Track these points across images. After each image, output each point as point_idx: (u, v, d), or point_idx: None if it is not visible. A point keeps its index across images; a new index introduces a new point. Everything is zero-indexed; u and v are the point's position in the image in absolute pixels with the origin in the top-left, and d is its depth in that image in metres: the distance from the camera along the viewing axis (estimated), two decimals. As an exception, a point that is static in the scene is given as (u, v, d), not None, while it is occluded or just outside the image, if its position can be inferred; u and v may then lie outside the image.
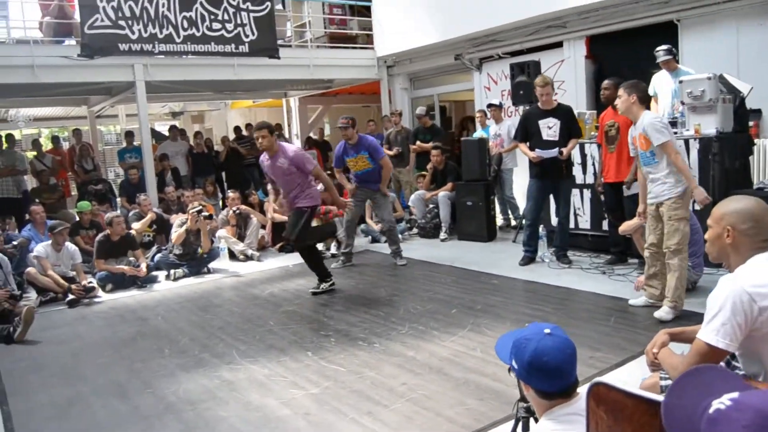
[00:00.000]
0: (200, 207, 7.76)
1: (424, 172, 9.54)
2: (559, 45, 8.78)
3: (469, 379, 3.84)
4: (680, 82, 5.91)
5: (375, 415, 3.44)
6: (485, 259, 7.28)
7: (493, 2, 9.00)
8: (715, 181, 5.74)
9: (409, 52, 11.21)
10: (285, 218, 8.93)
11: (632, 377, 3.14)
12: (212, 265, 7.89)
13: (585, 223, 7.14)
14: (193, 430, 3.44)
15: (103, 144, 17.50)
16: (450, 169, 9.09)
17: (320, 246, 8.18)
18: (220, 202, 10.96)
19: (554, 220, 7.13)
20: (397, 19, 11.04)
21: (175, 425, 3.51)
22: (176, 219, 8.10)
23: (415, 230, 9.31)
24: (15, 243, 7.35)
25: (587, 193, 7.06)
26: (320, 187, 6.54)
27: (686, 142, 5.87)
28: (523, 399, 2.14)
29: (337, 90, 13.65)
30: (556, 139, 6.46)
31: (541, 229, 7.01)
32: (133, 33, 8.94)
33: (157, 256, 7.96)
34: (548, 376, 1.74)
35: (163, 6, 9.15)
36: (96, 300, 6.75)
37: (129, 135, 11.53)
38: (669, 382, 2.25)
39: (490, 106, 9.10)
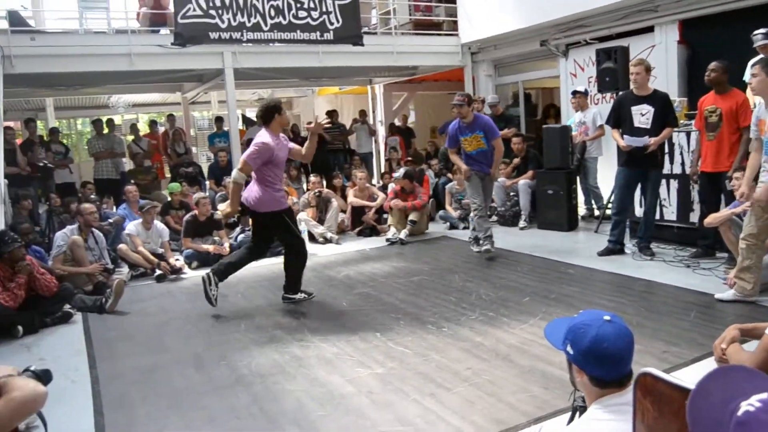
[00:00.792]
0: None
1: (506, 160, 9.42)
2: (649, 30, 8.40)
3: (535, 367, 3.80)
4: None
5: (437, 397, 3.46)
6: (564, 249, 7.13)
7: (582, -14, 8.74)
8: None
9: (494, 39, 11.04)
10: (364, 203, 9.12)
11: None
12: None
13: (671, 214, 6.86)
14: (260, 401, 3.58)
15: (195, 129, 18.25)
16: (531, 157, 8.94)
17: (389, 232, 8.28)
18: (303, 186, 11.21)
19: (638, 211, 6.89)
20: (482, 4, 10.89)
21: (245, 396, 3.66)
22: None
23: (494, 218, 9.22)
24: (111, 221, 7.79)
25: (674, 183, 6.77)
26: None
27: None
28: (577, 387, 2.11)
29: (421, 77, 13.63)
30: (648, 126, 6.17)
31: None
32: (222, 22, 9.27)
33: (240, 237, 8.23)
34: (606, 363, 1.73)
35: (252, -5, 9.44)
36: (182, 276, 7.08)
37: (219, 120, 11.98)
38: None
39: (575, 93, 8.86)
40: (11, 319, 5.12)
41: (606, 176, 8.72)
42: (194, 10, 9.06)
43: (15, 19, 8.57)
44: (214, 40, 9.28)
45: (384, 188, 9.77)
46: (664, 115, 6.19)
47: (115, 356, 4.56)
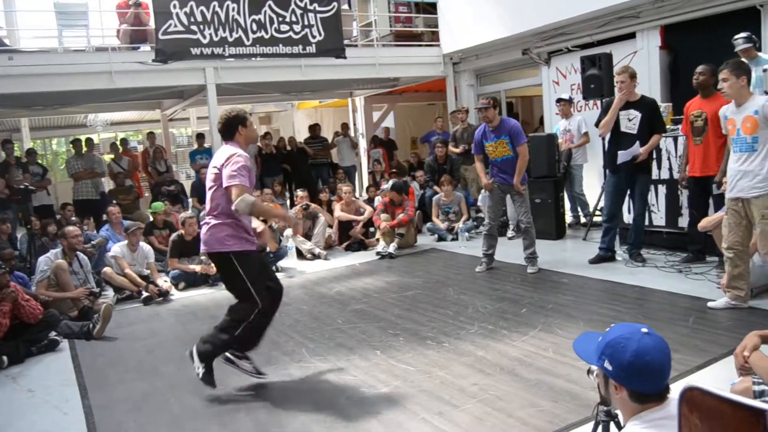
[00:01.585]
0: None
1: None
2: (631, 36, 8.47)
3: (541, 380, 3.74)
4: (764, 70, 5.61)
5: (446, 416, 3.39)
6: (554, 257, 7.11)
7: (562, -6, 8.79)
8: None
9: (476, 48, 11.08)
10: (352, 217, 9.03)
11: (717, 381, 2.97)
12: (280, 264, 7.97)
13: (660, 220, 6.89)
14: (265, 426, 3.47)
15: (175, 146, 18.05)
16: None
17: (389, 245, 8.20)
18: (288, 202, 11.11)
19: (627, 217, 6.90)
20: (463, 15, 10.93)
21: (248, 422, 3.56)
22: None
23: (482, 228, 9.17)
24: (94, 243, 7.63)
25: (662, 189, 6.81)
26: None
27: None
28: (603, 402, 2.07)
29: (402, 88, 13.65)
30: (635, 132, 6.20)
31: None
32: (204, 37, 9.19)
33: (228, 255, 8.12)
34: (648, 376, 1.69)
35: (233, 10, 9.37)
36: (170, 298, 6.94)
37: (200, 137, 11.85)
38: (764, 387, 2.13)
39: (559, 100, 8.90)
40: (-5, 349, 4.95)
41: (591, 183, 8.77)
42: (175, 26, 8.97)
43: (-10, 39, 8.42)
44: (195, 55, 9.19)
45: (370, 201, 9.70)
46: (652, 122, 6.21)
47: (107, 384, 4.42)
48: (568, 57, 9.50)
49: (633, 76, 6.24)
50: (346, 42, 10.85)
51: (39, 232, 8.27)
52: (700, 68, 5.86)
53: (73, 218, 8.62)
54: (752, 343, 2.25)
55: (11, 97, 9.03)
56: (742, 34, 6.06)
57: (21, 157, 10.95)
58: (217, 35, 9.25)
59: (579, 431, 3.06)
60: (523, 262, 6.74)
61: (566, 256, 7.31)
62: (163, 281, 7.12)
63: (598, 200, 7.88)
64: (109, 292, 7.00)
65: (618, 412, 1.99)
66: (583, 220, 8.81)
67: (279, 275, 7.59)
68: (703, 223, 5.37)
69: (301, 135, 15.31)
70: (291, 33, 9.82)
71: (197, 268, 7.36)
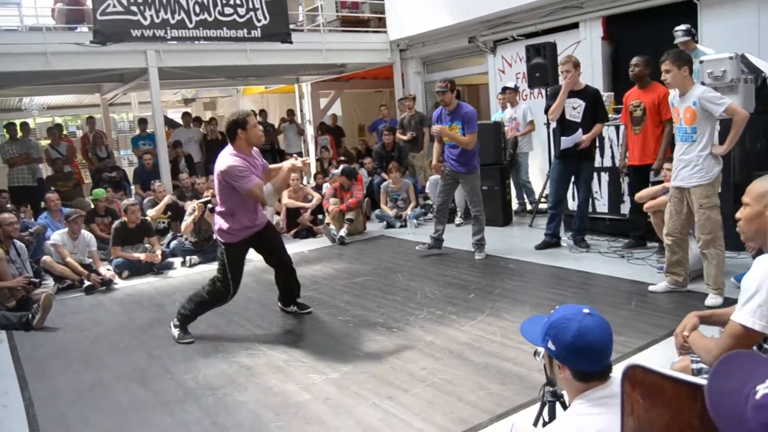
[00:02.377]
0: (208, 198, 7.69)
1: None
2: (575, 26, 8.65)
3: (489, 364, 3.81)
4: (701, 62, 5.80)
5: (396, 399, 3.42)
6: (501, 244, 7.22)
7: (508, -17, 8.89)
8: (736, 162, 5.65)
9: (422, 36, 11.11)
10: (299, 204, 8.96)
11: (658, 361, 3.08)
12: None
13: (603, 206, 7.07)
14: (213, 415, 3.43)
15: (116, 132, 17.55)
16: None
17: (339, 230, 8.17)
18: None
19: (572, 204, 7.06)
20: (409, 1, 10.93)
21: (195, 410, 3.51)
22: (188, 206, 8.07)
23: (430, 215, 9.25)
24: (31, 230, 7.36)
25: (605, 176, 6.98)
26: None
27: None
28: (549, 383, 2.12)
29: (349, 75, 13.57)
30: (579, 120, 6.34)
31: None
32: (145, 19, 8.91)
33: (173, 243, 7.97)
34: (590, 356, 1.73)
35: (175, -9, 9.12)
36: (113, 287, 6.76)
37: (142, 122, 11.53)
38: (701, 365, 2.21)
39: (505, 89, 9.01)
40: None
41: (536, 171, 8.93)
42: (114, 6, 8.66)
43: None
44: (136, 37, 8.91)
45: (318, 188, 9.64)
46: (595, 111, 6.36)
47: (48, 375, 4.28)
48: (513, 46, 9.63)
49: (576, 65, 6.36)
50: (292, 26, 10.71)
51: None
52: (634, 60, 6.02)
53: (9, 205, 8.29)
54: (691, 323, 2.33)
55: (-62, 78, 8.61)
56: (682, 27, 6.26)
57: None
58: (158, 17, 8.97)
59: (527, 412, 3.12)
60: (471, 248, 6.82)
61: (513, 242, 7.43)
62: (106, 270, 6.92)
63: (544, 187, 8.02)
64: (50, 282, 6.77)
65: (564, 392, 2.04)
66: (529, 207, 8.98)
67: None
68: (640, 194, 5.57)
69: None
70: (235, 16, 9.63)
71: (141, 256, 7.19)
